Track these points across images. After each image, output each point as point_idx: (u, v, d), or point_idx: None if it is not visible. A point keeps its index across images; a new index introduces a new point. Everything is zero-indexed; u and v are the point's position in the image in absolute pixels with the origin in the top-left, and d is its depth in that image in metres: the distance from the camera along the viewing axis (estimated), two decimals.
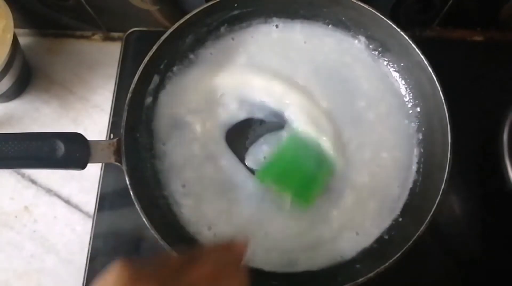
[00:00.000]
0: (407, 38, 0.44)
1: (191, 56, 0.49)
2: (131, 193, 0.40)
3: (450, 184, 0.40)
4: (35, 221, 0.53)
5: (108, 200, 0.52)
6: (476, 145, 0.52)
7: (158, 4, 0.54)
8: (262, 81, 0.48)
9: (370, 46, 0.50)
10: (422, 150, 0.47)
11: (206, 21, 0.48)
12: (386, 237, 0.45)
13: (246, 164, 0.47)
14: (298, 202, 0.41)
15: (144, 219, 0.39)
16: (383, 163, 0.46)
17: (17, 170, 0.54)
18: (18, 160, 0.38)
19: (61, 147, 0.38)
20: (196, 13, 0.45)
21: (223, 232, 0.45)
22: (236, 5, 0.48)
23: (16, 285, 0.50)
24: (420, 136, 0.47)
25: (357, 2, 0.45)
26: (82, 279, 0.49)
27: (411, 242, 0.39)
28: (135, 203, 0.40)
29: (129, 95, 0.42)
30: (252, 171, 0.46)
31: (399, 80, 0.49)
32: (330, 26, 0.50)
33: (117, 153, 0.41)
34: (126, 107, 0.42)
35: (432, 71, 0.43)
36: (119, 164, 0.41)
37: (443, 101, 0.42)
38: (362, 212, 0.45)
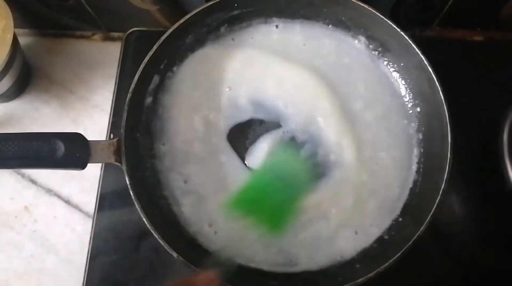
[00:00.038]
0: (407, 38, 0.44)
1: (191, 56, 0.49)
2: (131, 193, 0.40)
3: (450, 184, 0.40)
4: (35, 221, 0.53)
5: (108, 200, 0.52)
6: (476, 145, 0.52)
7: (158, 4, 0.54)
8: (265, 79, 0.48)
9: (370, 46, 0.50)
10: (422, 150, 0.47)
11: (206, 21, 0.48)
12: (386, 237, 0.45)
13: (246, 163, 0.47)
14: (270, 232, 0.40)
15: (144, 219, 0.39)
16: (383, 163, 0.46)
17: (17, 170, 0.54)
18: (18, 160, 0.38)
19: (61, 147, 0.38)
20: (196, 13, 0.45)
21: (223, 228, 0.45)
22: (236, 5, 0.48)
23: (16, 285, 0.50)
24: (420, 136, 0.47)
25: (357, 2, 0.45)
26: (82, 279, 0.49)
27: (411, 242, 0.39)
28: (135, 203, 0.40)
29: (129, 95, 0.42)
30: (252, 170, 0.46)
31: (399, 80, 0.49)
32: (330, 26, 0.50)
33: (117, 153, 0.41)
34: (126, 107, 0.42)
35: (432, 71, 0.43)
36: (119, 164, 0.41)
37: (443, 101, 0.42)
38: (361, 212, 0.45)
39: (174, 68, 0.49)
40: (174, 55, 0.48)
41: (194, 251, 0.43)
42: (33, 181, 0.54)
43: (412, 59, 0.45)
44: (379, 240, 0.45)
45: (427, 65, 0.43)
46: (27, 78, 0.58)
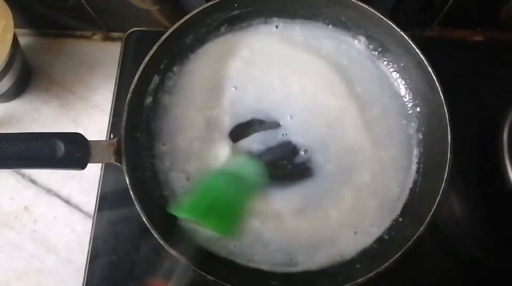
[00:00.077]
0: (407, 38, 0.44)
1: (191, 56, 0.49)
2: (131, 193, 0.40)
3: (450, 184, 0.40)
4: (35, 221, 0.53)
5: (108, 200, 0.52)
6: (476, 145, 0.52)
7: (158, 4, 0.54)
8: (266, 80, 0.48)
9: (370, 46, 0.50)
10: (422, 150, 0.47)
11: (206, 21, 0.48)
12: (386, 237, 0.45)
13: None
14: (222, 234, 0.40)
15: (144, 219, 0.39)
16: (383, 163, 0.46)
17: (17, 170, 0.54)
18: (18, 160, 0.38)
19: (61, 147, 0.38)
20: (196, 13, 0.45)
21: None
22: (236, 5, 0.48)
23: (16, 285, 0.50)
24: (420, 136, 0.47)
25: (357, 2, 0.45)
26: (82, 279, 0.49)
27: (411, 242, 0.39)
28: (135, 203, 0.40)
29: (129, 95, 0.42)
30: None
31: (399, 80, 0.49)
32: (330, 26, 0.50)
33: (117, 153, 0.41)
34: (126, 107, 0.42)
35: (432, 71, 0.43)
36: (119, 164, 0.41)
37: (443, 101, 0.42)
38: (361, 212, 0.45)
39: (174, 68, 0.49)
40: (174, 55, 0.48)
41: (194, 251, 0.43)
42: (33, 181, 0.54)
43: (412, 59, 0.45)
44: (379, 240, 0.45)
45: (427, 65, 0.43)
46: (27, 78, 0.58)
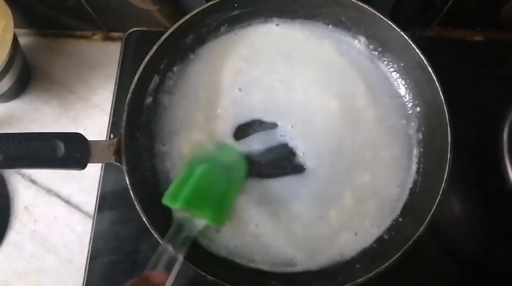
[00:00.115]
0: (407, 38, 0.44)
1: (191, 56, 0.49)
2: (131, 193, 0.40)
3: (450, 184, 0.40)
4: (35, 221, 0.53)
5: (108, 200, 0.52)
6: (476, 145, 0.52)
7: (158, 4, 0.54)
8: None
9: (370, 46, 0.50)
10: (422, 150, 0.47)
11: (206, 21, 0.48)
12: (386, 237, 0.45)
13: None
14: (213, 224, 0.39)
15: (144, 219, 0.40)
16: (383, 163, 0.46)
17: (17, 170, 0.54)
18: (18, 160, 0.38)
19: (61, 147, 0.38)
20: (196, 13, 0.45)
21: (225, 228, 0.45)
22: (236, 5, 0.48)
23: (16, 285, 0.50)
24: (420, 136, 0.47)
25: (357, 2, 0.45)
26: (82, 279, 0.49)
27: (411, 242, 0.39)
28: (135, 203, 0.40)
29: (129, 95, 0.42)
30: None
31: (399, 80, 0.49)
32: (330, 26, 0.50)
33: (117, 153, 0.41)
34: (126, 107, 0.42)
35: (432, 71, 0.43)
36: (119, 164, 0.41)
37: (443, 101, 0.42)
38: (361, 212, 0.45)
39: (174, 68, 0.49)
40: (174, 55, 0.48)
41: (194, 251, 0.43)
42: (33, 181, 0.54)
43: (412, 59, 0.45)
44: (379, 240, 0.45)
45: (427, 65, 0.43)
46: (27, 78, 0.58)
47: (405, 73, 0.48)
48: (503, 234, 0.50)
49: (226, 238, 0.44)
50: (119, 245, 0.50)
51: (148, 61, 0.44)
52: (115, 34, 0.61)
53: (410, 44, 0.44)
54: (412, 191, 0.46)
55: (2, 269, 0.51)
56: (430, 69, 0.43)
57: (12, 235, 0.52)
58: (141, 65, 0.43)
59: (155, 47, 0.44)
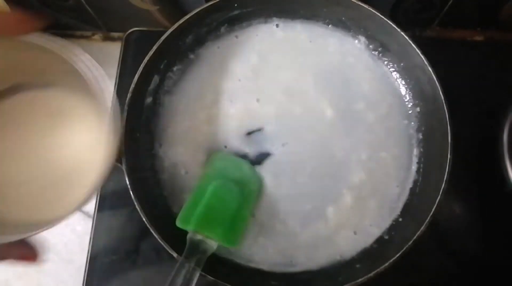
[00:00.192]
0: (407, 38, 0.44)
1: (191, 56, 0.49)
2: (131, 193, 0.40)
3: (450, 184, 0.40)
4: None
5: (108, 200, 0.52)
6: (476, 145, 0.52)
7: (158, 4, 0.54)
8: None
9: (370, 46, 0.50)
10: (422, 150, 0.47)
11: (206, 21, 0.48)
12: (386, 237, 0.45)
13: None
14: (226, 244, 0.39)
15: (144, 219, 0.40)
16: (383, 163, 0.46)
17: None
18: None
19: None
20: (196, 13, 0.45)
21: None
22: (236, 5, 0.48)
23: (16, 285, 0.50)
24: (420, 136, 0.47)
25: (357, 2, 0.45)
26: (82, 279, 0.49)
27: (411, 242, 0.39)
28: (135, 203, 0.40)
29: (129, 95, 0.42)
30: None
31: (399, 80, 0.49)
32: (330, 26, 0.50)
33: (117, 153, 0.41)
34: (126, 107, 0.42)
35: (432, 71, 0.43)
36: (119, 164, 0.41)
37: (443, 101, 0.42)
38: (361, 212, 0.45)
39: (174, 68, 0.49)
40: (174, 55, 0.48)
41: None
42: None
43: (412, 59, 0.45)
44: (379, 240, 0.45)
45: (427, 65, 0.43)
46: None
47: (405, 73, 0.48)
48: (502, 234, 0.50)
49: (231, 247, 0.44)
50: (119, 245, 0.50)
51: (148, 61, 0.44)
52: (115, 34, 0.61)
53: (410, 44, 0.44)
54: (412, 191, 0.46)
55: (2, 269, 0.51)
56: (430, 69, 0.43)
57: None
58: (141, 65, 0.43)
59: (155, 47, 0.44)
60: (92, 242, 0.50)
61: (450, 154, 0.41)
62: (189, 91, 0.48)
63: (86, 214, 0.53)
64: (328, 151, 0.46)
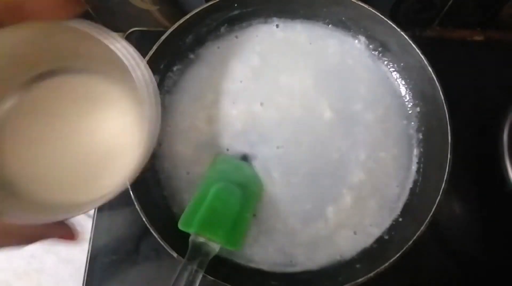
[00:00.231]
0: (407, 38, 0.44)
1: (191, 56, 0.49)
2: (131, 193, 0.40)
3: (450, 184, 0.40)
4: None
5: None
6: (476, 145, 0.52)
7: (158, 4, 0.54)
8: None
9: (370, 46, 0.50)
10: (422, 150, 0.47)
11: (206, 21, 0.48)
12: (386, 237, 0.45)
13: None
14: (228, 247, 0.39)
15: (144, 219, 0.40)
16: (383, 163, 0.46)
17: None
18: None
19: None
20: (196, 13, 0.45)
21: None
22: (236, 5, 0.48)
23: (16, 285, 0.50)
24: (420, 136, 0.47)
25: (357, 2, 0.45)
26: (82, 279, 0.49)
27: (411, 242, 0.39)
28: (135, 203, 0.40)
29: None
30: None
31: (399, 80, 0.49)
32: (330, 26, 0.50)
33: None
34: None
35: (432, 71, 0.43)
36: None
37: (443, 101, 0.42)
38: (361, 212, 0.45)
39: (174, 68, 0.49)
40: (174, 55, 0.48)
41: None
42: None
43: (412, 59, 0.45)
44: (379, 240, 0.45)
45: (427, 65, 0.43)
46: None
47: (405, 73, 0.48)
48: (502, 234, 0.50)
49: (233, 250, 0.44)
50: (119, 245, 0.50)
51: (148, 61, 0.44)
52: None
53: (410, 44, 0.44)
54: (412, 191, 0.46)
55: (2, 269, 0.51)
56: (430, 69, 0.43)
57: None
58: None
59: (155, 47, 0.44)
60: (92, 242, 0.50)
61: (450, 154, 0.41)
62: (189, 91, 0.48)
63: (86, 214, 0.53)
64: (327, 151, 0.46)
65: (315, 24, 0.50)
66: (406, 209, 0.45)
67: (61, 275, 0.50)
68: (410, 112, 0.48)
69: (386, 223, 0.45)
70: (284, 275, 0.44)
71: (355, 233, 0.45)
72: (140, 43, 0.58)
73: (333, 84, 0.48)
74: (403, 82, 0.49)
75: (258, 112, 0.47)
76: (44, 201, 0.26)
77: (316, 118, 0.47)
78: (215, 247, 0.37)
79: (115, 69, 0.26)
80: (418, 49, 0.44)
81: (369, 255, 0.44)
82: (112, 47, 0.24)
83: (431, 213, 0.40)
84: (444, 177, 0.41)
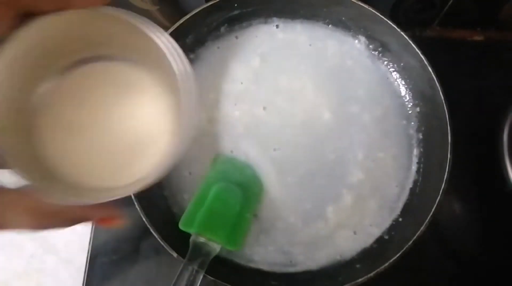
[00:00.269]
0: (407, 38, 0.44)
1: (191, 56, 0.49)
2: (131, 193, 0.40)
3: (450, 184, 0.40)
4: None
5: None
6: (476, 145, 0.52)
7: (158, 4, 0.54)
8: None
9: (370, 46, 0.50)
10: (422, 150, 0.47)
11: (206, 21, 0.48)
12: (386, 237, 0.45)
13: None
14: (229, 247, 0.39)
15: (144, 219, 0.40)
16: (382, 163, 0.46)
17: None
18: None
19: None
20: (196, 13, 0.45)
21: None
22: (236, 5, 0.48)
23: (16, 285, 0.50)
24: (420, 136, 0.47)
25: (357, 2, 0.45)
26: (82, 279, 0.49)
27: (411, 242, 0.39)
28: (135, 203, 0.40)
29: None
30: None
31: (399, 80, 0.49)
32: (330, 26, 0.50)
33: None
34: None
35: (432, 71, 0.43)
36: None
37: (443, 101, 0.42)
38: (361, 212, 0.45)
39: None
40: None
41: None
42: None
43: (412, 59, 0.45)
44: (379, 240, 0.45)
45: (427, 65, 0.43)
46: None
47: (405, 73, 0.48)
48: (503, 234, 0.50)
49: (234, 250, 0.44)
50: (119, 245, 0.50)
51: None
52: None
53: (410, 44, 0.44)
54: (412, 191, 0.46)
55: (2, 269, 0.51)
56: (430, 69, 0.43)
57: (12, 235, 0.52)
58: None
59: None
60: (92, 242, 0.50)
61: (450, 154, 0.41)
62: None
63: None
64: (326, 152, 0.46)
65: (315, 24, 0.50)
66: (406, 209, 0.45)
67: (61, 275, 0.50)
68: (410, 112, 0.48)
69: (386, 223, 0.45)
70: (284, 275, 0.44)
71: (355, 233, 0.45)
72: None
73: (333, 85, 0.48)
74: (403, 82, 0.49)
75: (260, 115, 0.47)
76: (81, 184, 0.27)
77: (316, 120, 0.47)
78: (215, 247, 0.37)
79: (151, 58, 0.26)
80: (418, 49, 0.44)
81: (369, 255, 0.44)
82: (157, 41, 0.24)
83: (431, 213, 0.40)
84: (444, 177, 0.41)
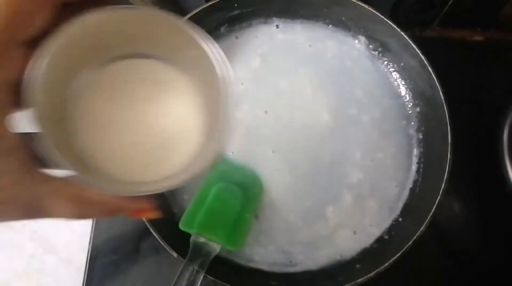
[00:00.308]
0: (407, 38, 0.44)
1: None
2: None
3: (450, 184, 0.40)
4: (35, 221, 0.53)
5: None
6: (476, 145, 0.52)
7: (158, 4, 0.54)
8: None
9: (370, 46, 0.50)
10: (422, 150, 0.47)
11: (206, 21, 0.48)
12: (386, 237, 0.45)
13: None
14: (229, 247, 0.39)
15: (144, 219, 0.40)
16: (382, 163, 0.46)
17: None
18: None
19: None
20: (196, 13, 0.45)
21: None
22: (236, 5, 0.48)
23: (16, 285, 0.50)
24: (420, 136, 0.47)
25: (357, 2, 0.45)
26: (82, 279, 0.49)
27: (411, 242, 0.39)
28: None
29: None
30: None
31: (399, 80, 0.49)
32: (330, 26, 0.50)
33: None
34: None
35: (432, 71, 0.43)
36: None
37: (443, 101, 0.42)
38: (361, 212, 0.45)
39: None
40: None
41: None
42: None
43: (412, 59, 0.45)
44: (379, 240, 0.45)
45: (427, 65, 0.43)
46: None
47: (405, 73, 0.48)
48: (503, 234, 0.50)
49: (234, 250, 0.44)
50: (119, 245, 0.50)
51: None
52: None
53: (410, 44, 0.44)
54: (412, 191, 0.46)
55: (2, 269, 0.51)
56: (430, 69, 0.43)
57: (12, 235, 0.52)
58: None
59: None
60: (92, 242, 0.50)
61: (450, 154, 0.41)
62: None
63: None
64: (326, 152, 0.46)
65: (315, 25, 0.50)
66: (406, 209, 0.45)
67: (61, 275, 0.50)
68: (410, 112, 0.48)
69: (386, 223, 0.45)
70: (284, 275, 0.44)
71: (355, 233, 0.45)
72: None
73: (333, 86, 0.48)
74: (403, 82, 0.49)
75: (260, 116, 0.47)
76: (113, 178, 0.27)
77: (316, 120, 0.47)
78: (216, 247, 0.37)
79: (190, 60, 0.27)
80: (418, 49, 0.44)
81: (369, 255, 0.44)
82: (203, 44, 0.25)
83: (431, 213, 0.40)
84: (444, 177, 0.41)
